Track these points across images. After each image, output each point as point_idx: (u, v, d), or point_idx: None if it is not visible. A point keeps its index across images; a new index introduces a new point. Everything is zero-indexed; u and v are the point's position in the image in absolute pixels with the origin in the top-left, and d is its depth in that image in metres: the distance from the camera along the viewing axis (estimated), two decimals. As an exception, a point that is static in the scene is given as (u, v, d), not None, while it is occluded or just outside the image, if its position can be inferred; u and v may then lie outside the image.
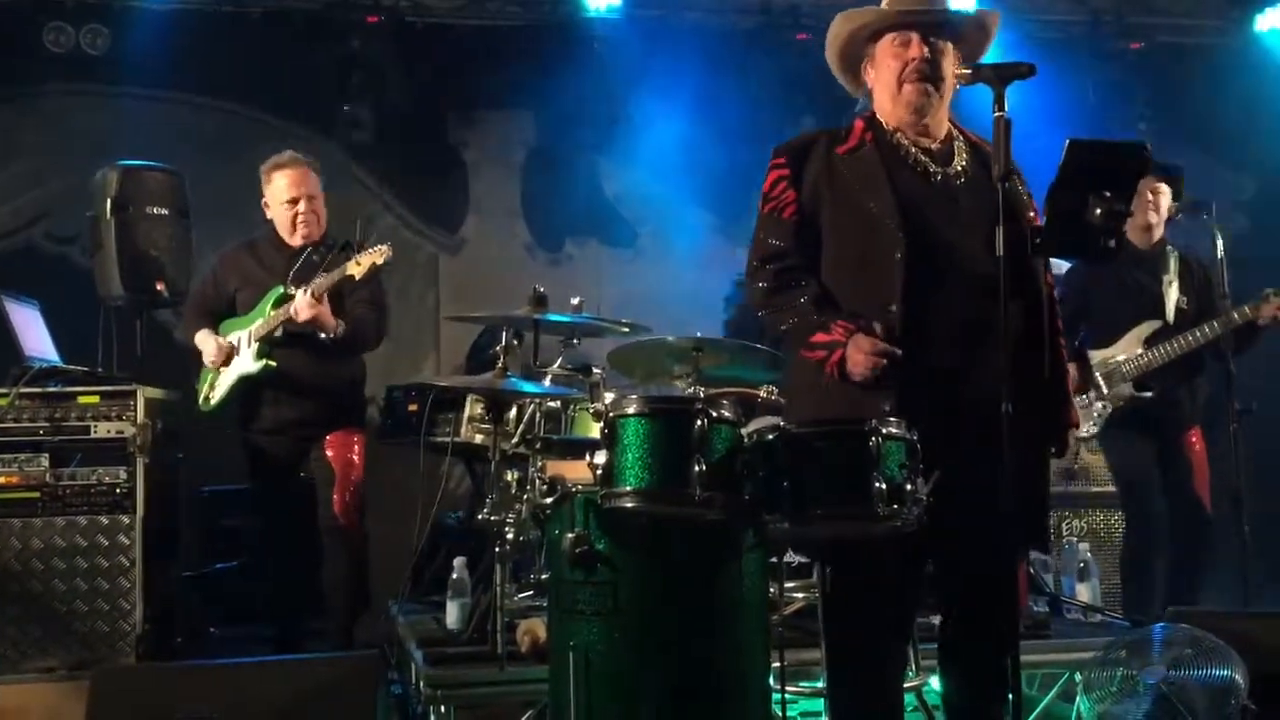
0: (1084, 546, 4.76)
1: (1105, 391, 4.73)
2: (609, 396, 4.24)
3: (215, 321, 4.66)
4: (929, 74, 2.83)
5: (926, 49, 2.83)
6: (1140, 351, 4.69)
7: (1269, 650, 3.36)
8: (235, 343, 4.57)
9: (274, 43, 6.39)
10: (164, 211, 5.13)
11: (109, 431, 4.32)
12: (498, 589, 3.71)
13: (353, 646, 4.34)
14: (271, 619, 4.73)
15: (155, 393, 4.53)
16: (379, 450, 4.98)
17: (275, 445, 4.55)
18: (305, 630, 4.65)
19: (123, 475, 4.30)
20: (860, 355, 2.70)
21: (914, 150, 2.85)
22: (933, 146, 2.88)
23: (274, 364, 4.45)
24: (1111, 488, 5.09)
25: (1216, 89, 6.84)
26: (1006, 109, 2.63)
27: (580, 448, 4.11)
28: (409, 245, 6.82)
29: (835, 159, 2.85)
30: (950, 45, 2.88)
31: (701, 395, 3.92)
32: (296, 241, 4.58)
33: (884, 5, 2.94)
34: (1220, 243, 4.54)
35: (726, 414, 2.70)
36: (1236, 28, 6.92)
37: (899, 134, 2.87)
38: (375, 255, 4.31)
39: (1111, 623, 4.40)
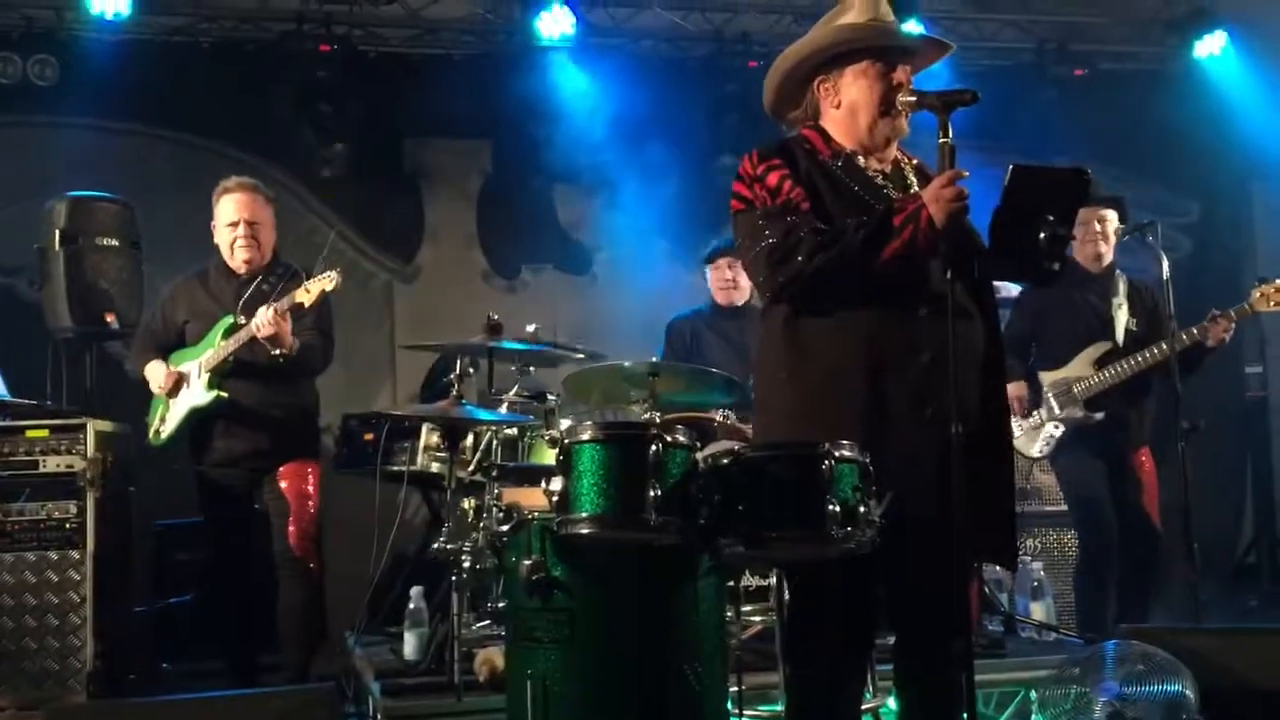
0: (1037, 565, 4.81)
1: (1057, 412, 4.80)
2: (565, 423, 4.26)
3: (165, 353, 4.61)
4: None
5: (907, 77, 2.85)
6: (1091, 373, 4.77)
7: (1219, 665, 3.41)
8: (186, 374, 4.52)
9: (227, 72, 6.36)
10: (114, 243, 5.10)
11: (58, 466, 4.26)
12: (455, 618, 3.69)
13: (309, 680, 4.31)
14: (226, 654, 4.67)
15: (106, 426, 4.48)
16: (335, 480, 4.95)
17: (228, 477, 4.51)
18: (260, 664, 4.59)
19: (73, 510, 4.24)
20: (942, 192, 2.61)
21: (870, 173, 2.87)
22: (886, 170, 2.91)
23: (225, 395, 4.41)
24: (1064, 507, 5.15)
25: (1158, 114, 6.99)
26: (951, 135, 2.67)
27: (536, 475, 4.11)
28: (364, 274, 6.80)
29: (819, 162, 2.85)
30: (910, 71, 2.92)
31: (657, 420, 3.93)
32: (239, 267, 4.55)
33: (849, 22, 2.90)
34: (1165, 265, 4.63)
35: (681, 439, 2.71)
36: (1176, 55, 7.07)
37: (856, 155, 2.89)
38: (324, 282, 4.29)
39: (1065, 641, 4.45)
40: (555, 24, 6.38)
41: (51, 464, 4.26)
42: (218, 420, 4.48)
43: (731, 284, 5.17)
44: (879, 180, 2.86)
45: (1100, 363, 4.77)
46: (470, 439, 4.30)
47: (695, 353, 5.09)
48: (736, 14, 6.77)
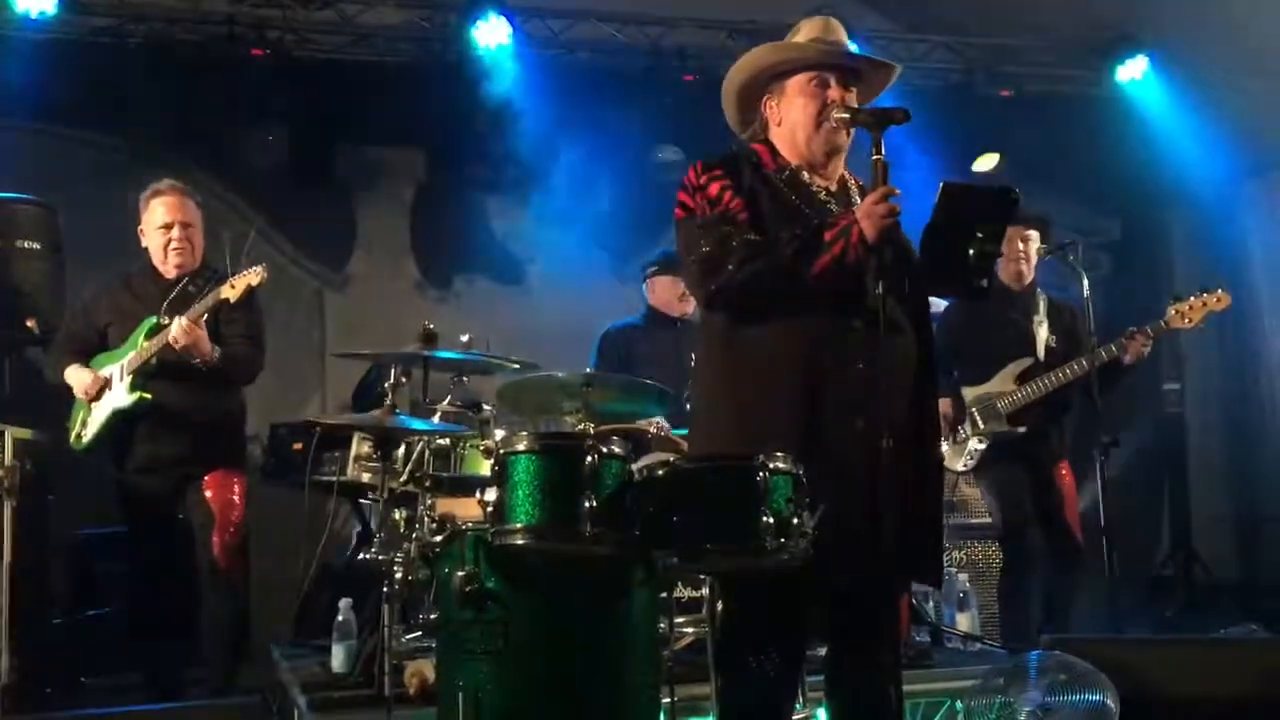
0: (963, 577, 4.90)
1: (981, 426, 4.89)
2: (499, 433, 4.24)
3: (86, 357, 4.51)
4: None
5: (844, 92, 2.91)
6: (1013, 388, 4.87)
7: (1138, 674, 3.49)
8: (108, 376, 4.43)
9: (155, 74, 6.24)
10: (35, 246, 5.01)
11: (-25, 473, 4.15)
12: (385, 630, 3.65)
13: (234, 693, 4.22)
14: (148, 667, 4.57)
15: (24, 433, 4.36)
16: (262, 490, 4.89)
17: (151, 484, 4.42)
18: (184, 677, 4.50)
19: (-11, 519, 4.12)
20: (874, 208, 2.66)
21: (814, 189, 2.92)
22: (831, 187, 2.96)
23: (149, 396, 4.32)
24: (988, 519, 5.25)
25: (1083, 136, 7.16)
26: (884, 152, 2.72)
27: (470, 485, 4.08)
28: (294, 281, 6.71)
29: (763, 175, 2.89)
30: (855, 92, 2.96)
31: (592, 431, 3.94)
32: (170, 271, 4.48)
33: (794, 41, 2.99)
34: (1086, 284, 4.75)
35: (617, 450, 2.72)
36: (1100, 78, 7.24)
37: (802, 171, 2.93)
38: (250, 276, 4.24)
39: (990, 651, 4.53)
40: (492, 33, 6.37)
41: (-33, 472, 4.14)
42: (141, 424, 4.39)
43: (687, 294, 5.17)
44: (822, 196, 2.91)
45: (1022, 378, 4.87)
46: (402, 449, 4.27)
47: (628, 364, 5.10)
48: (673, 28, 6.81)
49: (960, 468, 4.98)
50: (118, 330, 4.48)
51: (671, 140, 6.68)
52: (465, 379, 4.52)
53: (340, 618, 4.13)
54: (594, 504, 2.62)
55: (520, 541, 2.66)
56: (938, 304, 4.72)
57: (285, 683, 4.16)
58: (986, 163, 6.99)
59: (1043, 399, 4.81)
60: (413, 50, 6.71)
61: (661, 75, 6.78)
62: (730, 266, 2.76)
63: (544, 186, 6.70)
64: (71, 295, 5.07)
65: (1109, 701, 3.28)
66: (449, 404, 4.37)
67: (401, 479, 4.24)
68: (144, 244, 4.54)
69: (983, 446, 4.89)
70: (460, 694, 2.74)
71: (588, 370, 4.49)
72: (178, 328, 4.18)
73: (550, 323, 6.51)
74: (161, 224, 4.46)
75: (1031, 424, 4.84)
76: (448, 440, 4.32)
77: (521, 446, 2.71)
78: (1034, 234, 4.97)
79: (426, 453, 4.25)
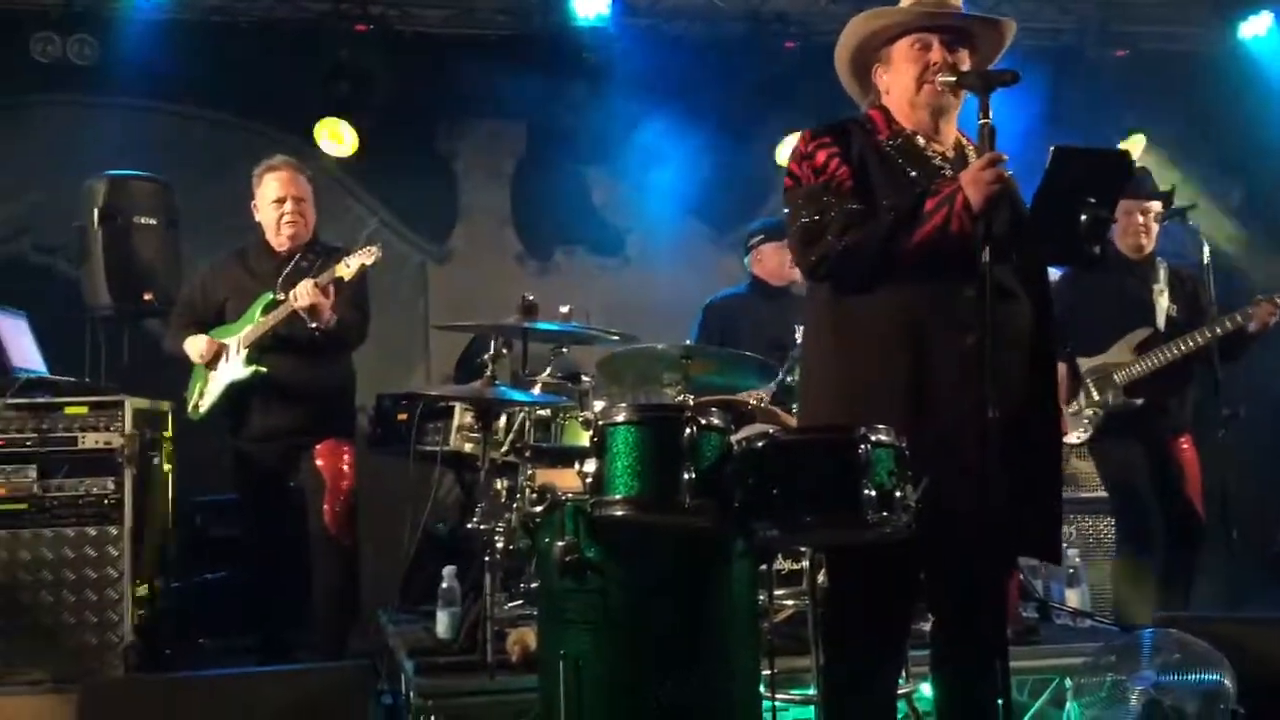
0: (1073, 552, 4.78)
1: (1096, 398, 4.75)
2: (598, 405, 4.25)
3: (203, 330, 4.64)
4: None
5: (946, 53, 2.83)
6: (1131, 359, 4.71)
7: (1257, 655, 3.37)
8: (226, 346, 4.55)
9: (263, 52, 6.37)
10: (152, 221, 5.15)
11: (97, 442, 4.31)
12: (487, 598, 3.71)
13: (343, 656, 4.33)
14: (260, 629, 4.71)
15: (143, 403, 4.52)
16: (368, 459, 4.97)
17: (264, 453, 4.54)
18: (296, 640, 4.63)
19: (111, 486, 4.29)
20: (981, 174, 2.59)
21: (929, 154, 2.85)
22: (947, 153, 2.88)
23: (264, 369, 4.44)
24: (1101, 494, 5.10)
25: (1202, 96, 6.88)
26: (991, 116, 2.64)
27: (570, 456, 4.11)
28: (398, 254, 6.81)
29: (875, 142, 2.84)
30: (966, 53, 2.87)
31: (690, 403, 3.92)
32: (283, 244, 4.58)
33: (901, 5, 2.92)
34: (1207, 250, 4.57)
35: (716, 421, 2.70)
36: (1220, 35, 6.95)
37: (916, 136, 2.87)
38: (364, 256, 4.32)
39: (1101, 628, 4.42)
40: (591, 4, 6.36)
41: (90, 440, 4.31)
42: (255, 395, 4.51)
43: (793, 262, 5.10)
44: (937, 161, 2.84)
45: (1141, 348, 4.71)
46: (503, 420, 4.31)
47: (731, 336, 5.06)
48: (773, -6, 6.71)
49: (1074, 440, 4.84)
50: (235, 305, 4.60)
51: (770, 108, 6.59)
52: (565, 350, 4.54)
53: (444, 585, 4.20)
54: (693, 476, 2.60)
55: (619, 513, 2.66)
56: (1053, 272, 4.60)
57: (393, 647, 4.25)
58: (1134, 146, 6.66)
59: (1162, 370, 4.65)
60: (513, 23, 6.74)
61: (762, 43, 6.70)
62: (830, 236, 2.73)
63: (643, 157, 6.69)
64: (186, 269, 5.22)
65: (1226, 682, 3.18)
66: (549, 375, 4.39)
67: (502, 449, 4.29)
68: (257, 218, 4.65)
69: (1098, 418, 4.74)
70: (561, 663, 2.77)
71: (688, 343, 4.47)
72: (304, 288, 4.28)
73: (649, 294, 6.51)
74: (275, 198, 4.57)
75: (1150, 396, 4.68)
76: (548, 411, 4.35)
77: (621, 418, 2.71)
78: (1154, 206, 4.79)
79: (527, 424, 4.29)
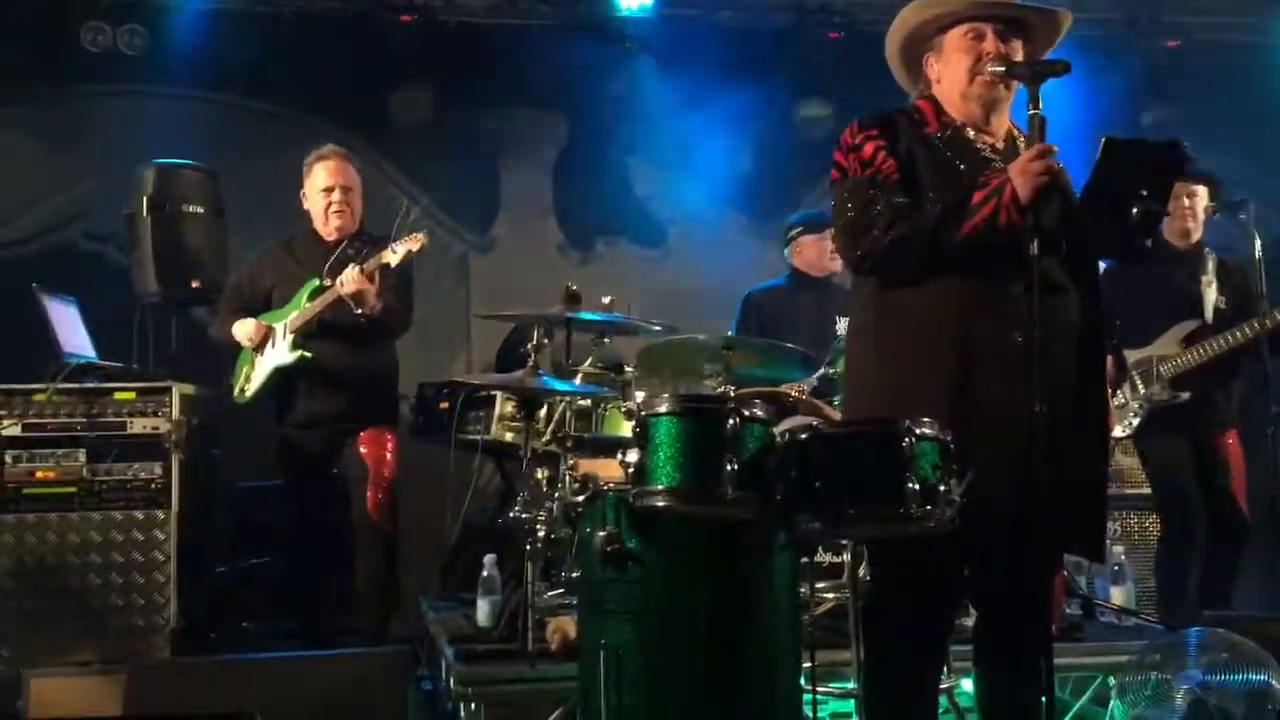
0: (1118, 549, 4.72)
1: (1141, 391, 4.69)
2: (640, 395, 4.25)
3: (251, 316, 4.69)
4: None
5: (1000, 43, 2.80)
6: (1178, 351, 4.65)
7: (1306, 655, 3.32)
8: (273, 330, 4.60)
9: (308, 42, 6.41)
10: (200, 210, 5.21)
11: (145, 427, 4.38)
12: (528, 587, 3.72)
13: (384, 642, 4.36)
14: (304, 614, 4.77)
15: (190, 389, 4.58)
16: (410, 447, 5.01)
17: (309, 440, 4.59)
18: (338, 625, 4.68)
19: (158, 471, 4.35)
20: (1030, 166, 2.57)
21: (978, 145, 2.82)
22: (997, 144, 2.85)
23: (309, 355, 4.48)
24: (1146, 489, 5.04)
25: (1254, 87, 6.76)
26: (1041, 106, 2.61)
27: (611, 446, 4.11)
28: (440, 243, 6.82)
29: (923, 135, 2.81)
30: (1020, 43, 2.84)
31: (733, 394, 3.91)
32: (330, 233, 4.62)
33: None
34: (1258, 243, 4.49)
35: (758, 413, 2.69)
36: (1274, 25, 6.82)
37: (966, 128, 2.84)
38: (411, 243, 4.35)
39: (1146, 626, 4.37)
40: (634, -6, 6.36)
41: (138, 425, 4.37)
42: (300, 381, 4.56)
43: (834, 253, 5.07)
44: (987, 154, 2.81)
45: (1188, 341, 4.65)
46: (545, 409, 4.32)
47: (772, 327, 5.05)
48: (817, -16, 6.67)
49: (1118, 433, 4.78)
50: (282, 292, 4.65)
51: (813, 100, 6.55)
52: (607, 340, 4.54)
53: (485, 573, 4.22)
54: (735, 467, 2.60)
55: (661, 503, 2.66)
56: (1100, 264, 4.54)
57: (434, 634, 4.28)
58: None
59: (1209, 363, 4.57)
60: (556, 13, 6.73)
61: (805, 33, 6.65)
62: (876, 231, 2.71)
63: (685, 148, 6.67)
64: (233, 257, 5.28)
65: (1274, 683, 3.14)
66: (591, 365, 4.40)
67: (544, 439, 4.30)
68: (305, 207, 4.70)
69: (1144, 411, 4.68)
70: (601, 652, 2.77)
71: (729, 334, 4.45)
72: (350, 274, 4.32)
73: (691, 285, 6.49)
74: (323, 187, 4.61)
75: (1196, 390, 4.62)
76: (589, 401, 4.35)
77: (663, 409, 2.70)
78: (1201, 190, 4.71)
79: (568, 413, 4.30)
